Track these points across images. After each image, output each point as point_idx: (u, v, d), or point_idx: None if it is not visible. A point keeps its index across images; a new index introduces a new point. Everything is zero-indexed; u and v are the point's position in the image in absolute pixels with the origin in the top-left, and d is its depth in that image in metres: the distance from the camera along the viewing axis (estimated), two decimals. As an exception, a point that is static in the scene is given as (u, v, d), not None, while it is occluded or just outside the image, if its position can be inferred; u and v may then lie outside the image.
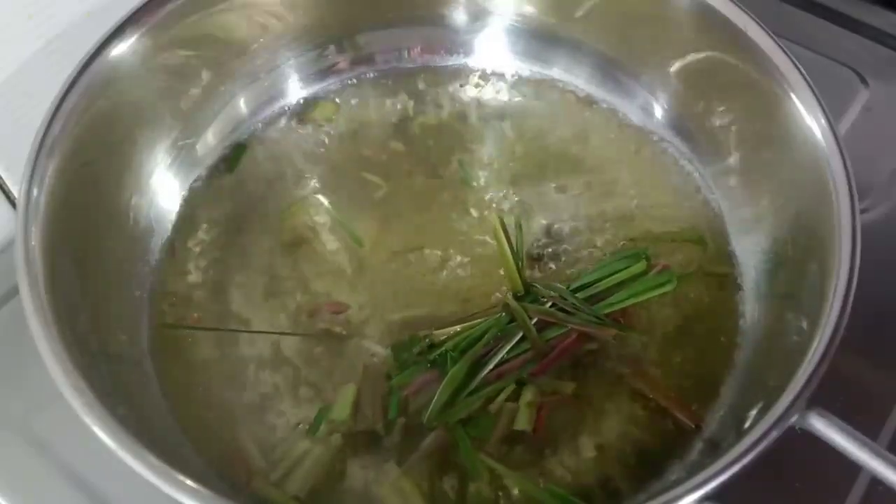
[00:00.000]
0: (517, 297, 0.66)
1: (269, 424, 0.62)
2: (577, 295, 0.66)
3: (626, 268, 0.67)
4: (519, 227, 0.70)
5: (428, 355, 0.64)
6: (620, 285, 0.67)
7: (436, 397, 0.61)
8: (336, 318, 0.67)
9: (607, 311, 0.66)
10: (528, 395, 0.62)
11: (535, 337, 0.63)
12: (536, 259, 0.70)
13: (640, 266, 0.67)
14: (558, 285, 0.67)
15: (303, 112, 0.78)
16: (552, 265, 0.70)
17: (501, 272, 0.68)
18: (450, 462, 0.60)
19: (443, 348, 0.63)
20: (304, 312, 0.67)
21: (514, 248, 0.69)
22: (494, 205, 0.73)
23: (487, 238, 0.71)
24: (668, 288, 0.67)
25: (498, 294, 0.68)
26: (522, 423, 0.61)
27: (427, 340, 0.64)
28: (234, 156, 0.75)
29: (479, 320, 0.65)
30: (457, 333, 0.64)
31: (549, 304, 0.65)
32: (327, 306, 0.67)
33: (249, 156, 0.76)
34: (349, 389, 0.63)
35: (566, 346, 0.64)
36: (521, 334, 0.64)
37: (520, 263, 0.68)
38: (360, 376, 0.64)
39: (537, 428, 0.61)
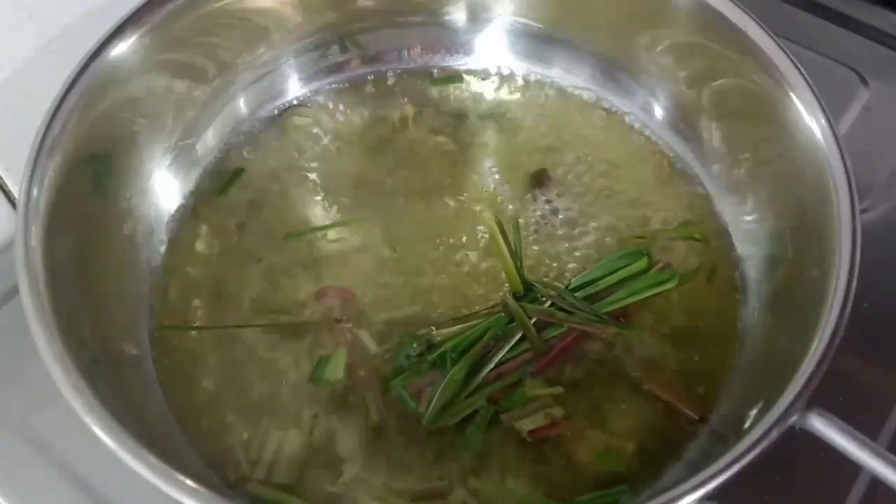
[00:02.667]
0: (516, 297, 0.66)
1: (270, 424, 0.62)
2: (577, 294, 0.66)
3: (626, 266, 0.67)
4: (516, 226, 0.70)
5: (427, 356, 0.63)
6: (621, 283, 0.67)
7: (435, 398, 0.61)
8: (339, 304, 0.67)
9: (608, 309, 0.66)
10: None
11: (534, 337, 0.63)
12: (535, 258, 0.70)
13: (641, 264, 0.67)
14: (557, 284, 0.67)
15: (301, 112, 0.78)
16: (552, 264, 0.70)
17: (501, 272, 0.68)
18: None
19: (442, 349, 0.63)
20: (311, 296, 0.67)
21: (513, 247, 0.68)
22: (494, 203, 0.73)
23: (487, 237, 0.70)
24: (669, 285, 0.67)
25: (498, 294, 0.68)
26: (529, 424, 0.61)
27: (426, 341, 0.64)
28: (229, 179, 0.74)
29: (478, 320, 0.65)
30: (456, 334, 0.64)
31: (549, 303, 0.65)
32: (332, 291, 0.67)
33: (250, 155, 0.76)
34: (341, 352, 0.64)
35: (566, 345, 0.64)
36: (520, 334, 0.64)
37: (518, 263, 0.68)
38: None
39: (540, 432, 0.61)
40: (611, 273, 0.67)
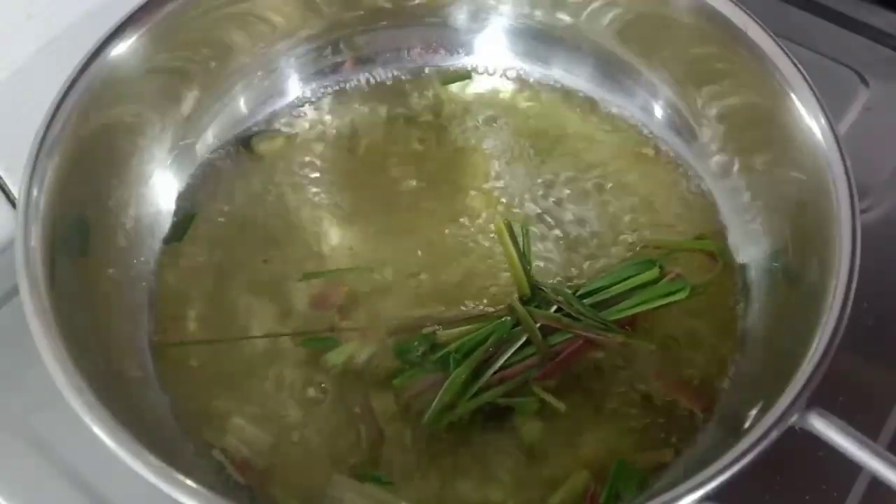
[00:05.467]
0: (523, 301, 0.65)
1: (271, 423, 0.62)
2: (585, 301, 0.65)
3: (637, 274, 0.66)
4: (525, 230, 0.69)
5: (431, 357, 0.63)
6: (631, 292, 0.66)
7: (437, 399, 0.61)
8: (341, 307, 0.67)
9: (616, 317, 0.65)
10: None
11: (540, 342, 0.63)
12: (541, 262, 0.70)
13: (652, 273, 0.66)
14: (565, 290, 0.66)
15: (301, 112, 0.78)
16: (555, 269, 0.70)
17: (506, 275, 0.68)
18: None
19: (446, 350, 0.63)
20: (308, 304, 0.67)
21: (521, 251, 0.68)
22: (497, 204, 0.73)
23: (492, 239, 0.70)
24: (680, 296, 0.66)
25: (504, 296, 0.67)
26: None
27: (430, 341, 0.64)
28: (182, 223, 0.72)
29: (483, 323, 0.64)
30: (461, 335, 0.64)
31: (555, 308, 0.65)
32: (330, 292, 0.68)
33: (250, 154, 0.76)
34: (352, 343, 0.64)
35: (572, 352, 0.63)
36: (525, 338, 0.63)
37: (527, 267, 0.67)
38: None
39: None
40: (621, 281, 0.66)
